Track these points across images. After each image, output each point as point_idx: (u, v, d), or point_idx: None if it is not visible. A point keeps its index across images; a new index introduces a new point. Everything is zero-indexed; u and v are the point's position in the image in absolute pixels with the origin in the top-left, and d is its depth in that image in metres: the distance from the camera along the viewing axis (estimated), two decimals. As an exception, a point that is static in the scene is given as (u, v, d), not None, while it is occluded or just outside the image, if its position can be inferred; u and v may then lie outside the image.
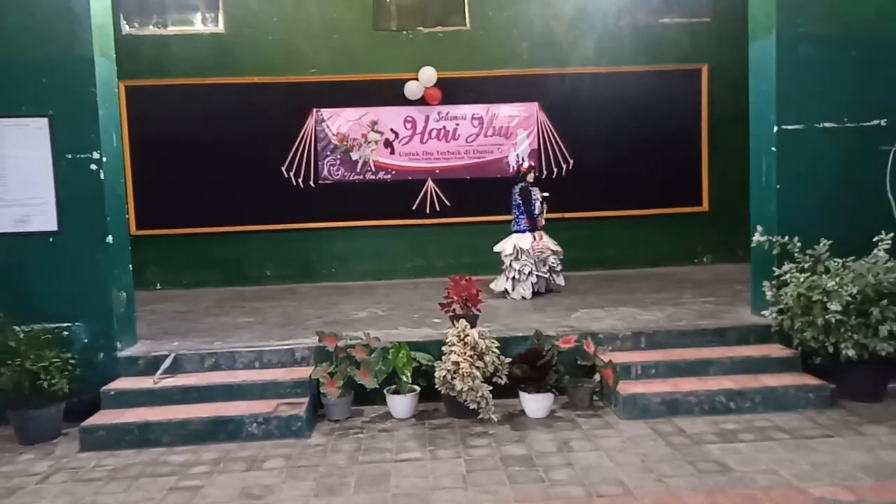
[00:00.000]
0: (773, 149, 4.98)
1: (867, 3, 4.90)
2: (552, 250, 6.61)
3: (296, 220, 8.35)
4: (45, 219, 4.73)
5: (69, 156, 4.72)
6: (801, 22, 4.89)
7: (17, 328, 4.45)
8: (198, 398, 4.46)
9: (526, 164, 6.84)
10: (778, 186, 4.96)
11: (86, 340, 4.73)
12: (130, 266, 5.13)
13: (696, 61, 8.44)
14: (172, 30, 8.23)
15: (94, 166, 4.73)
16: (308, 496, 3.39)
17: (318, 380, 4.52)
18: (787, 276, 4.63)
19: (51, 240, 4.73)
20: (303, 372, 4.66)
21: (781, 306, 4.63)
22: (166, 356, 4.74)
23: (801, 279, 4.50)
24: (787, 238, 4.80)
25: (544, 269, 6.56)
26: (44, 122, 4.69)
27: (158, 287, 8.29)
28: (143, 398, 4.45)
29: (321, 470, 3.70)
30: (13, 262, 4.71)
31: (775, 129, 4.95)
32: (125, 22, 8.08)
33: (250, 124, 8.22)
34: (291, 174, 8.33)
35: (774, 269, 4.81)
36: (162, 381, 4.55)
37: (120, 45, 5.12)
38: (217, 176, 8.25)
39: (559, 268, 6.68)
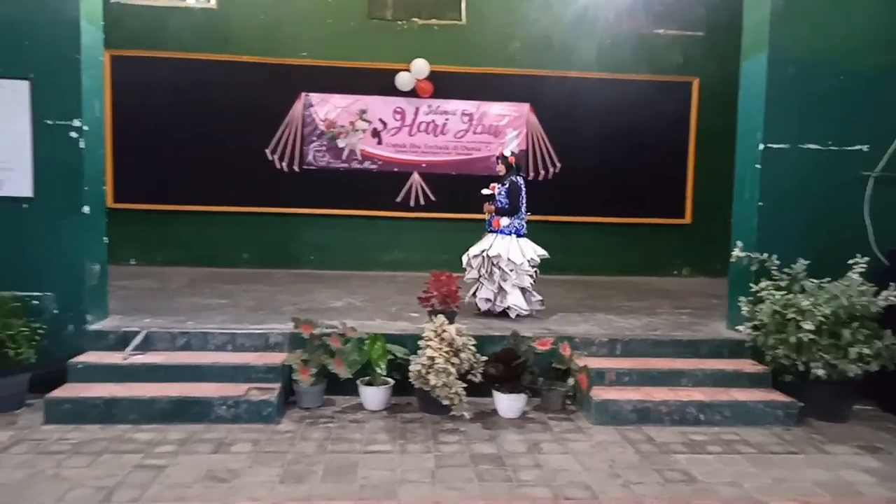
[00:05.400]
0: (758, 166, 5.03)
1: (855, 32, 4.97)
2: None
3: (277, 205, 8.28)
4: (19, 184, 4.60)
5: (49, 122, 4.60)
6: (792, 44, 4.94)
7: (-16, 294, 4.35)
8: (166, 377, 4.38)
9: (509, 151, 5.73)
10: (760, 204, 5.01)
11: (55, 311, 4.62)
12: (105, 239, 5.02)
13: (688, 74, 8.52)
14: (163, 1, 8.07)
15: (74, 134, 4.62)
16: (274, 482, 3.34)
17: (290, 366, 4.47)
18: (764, 292, 4.68)
19: (25, 206, 4.61)
20: (275, 358, 4.61)
21: (756, 322, 4.68)
22: (137, 332, 4.65)
23: (777, 297, 4.55)
24: (765, 255, 4.85)
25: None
26: (24, 85, 4.56)
27: (132, 263, 8.16)
28: (110, 373, 4.36)
29: (288, 457, 3.66)
30: (-16, 227, 4.59)
31: (761, 146, 5.00)
32: (115, -11, 7.92)
33: (237, 104, 8.12)
34: (275, 157, 8.24)
35: (752, 285, 4.86)
36: (131, 358, 4.47)
37: (106, 13, 5.00)
38: (199, 154, 8.13)
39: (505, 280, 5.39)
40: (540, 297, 5.63)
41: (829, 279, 4.60)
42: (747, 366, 4.80)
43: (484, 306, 5.57)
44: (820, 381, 4.35)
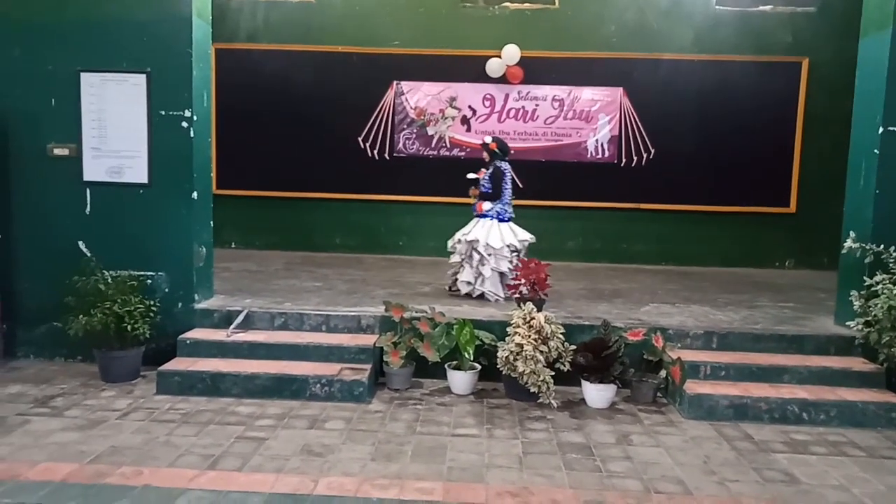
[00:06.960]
0: (876, 151, 4.68)
1: None
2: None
3: (368, 191, 8.46)
4: (137, 171, 4.95)
5: (163, 112, 4.91)
6: (920, 18, 4.55)
7: (106, 272, 4.72)
8: (266, 355, 4.61)
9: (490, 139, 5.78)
10: (877, 191, 4.67)
11: (167, 290, 4.96)
12: (211, 223, 5.32)
13: (797, 54, 8.00)
14: (264, -4, 8.41)
15: (185, 124, 4.92)
16: (366, 459, 3.46)
17: (381, 348, 4.60)
18: (879, 286, 4.35)
19: (141, 192, 4.96)
20: (367, 339, 4.75)
21: (869, 318, 4.38)
22: (240, 312, 4.92)
23: (895, 291, 4.23)
24: (881, 247, 4.52)
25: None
26: (142, 78, 4.90)
27: (233, 246, 8.60)
28: (215, 349, 4.65)
29: (379, 436, 3.78)
30: (107, 210, 4.97)
31: (880, 130, 4.65)
32: (219, -14, 8.31)
33: (332, 93, 8.35)
34: (367, 145, 8.43)
35: (865, 278, 4.54)
36: (234, 335, 4.74)
37: (212, 8, 5.27)
38: (296, 142, 8.44)
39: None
40: None
41: (955, 274, 4.23)
42: (857, 364, 4.51)
43: (465, 289, 5.67)
44: (942, 384, 4.03)
